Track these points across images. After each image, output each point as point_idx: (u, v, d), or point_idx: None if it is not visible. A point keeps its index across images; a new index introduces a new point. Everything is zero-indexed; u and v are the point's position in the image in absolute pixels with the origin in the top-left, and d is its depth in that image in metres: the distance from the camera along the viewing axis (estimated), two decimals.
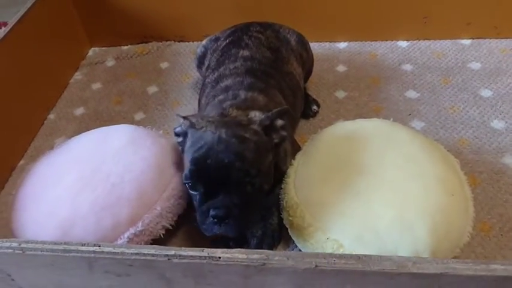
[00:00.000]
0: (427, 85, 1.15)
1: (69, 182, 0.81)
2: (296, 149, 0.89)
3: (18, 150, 1.11)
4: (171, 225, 0.83)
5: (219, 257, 0.56)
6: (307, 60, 1.09)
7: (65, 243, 0.60)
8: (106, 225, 0.77)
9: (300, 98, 1.01)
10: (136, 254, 0.57)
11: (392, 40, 1.31)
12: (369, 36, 1.32)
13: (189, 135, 0.76)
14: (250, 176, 0.70)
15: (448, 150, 0.86)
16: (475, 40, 1.27)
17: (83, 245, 0.59)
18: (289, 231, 0.79)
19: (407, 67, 1.22)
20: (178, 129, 0.80)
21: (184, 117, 0.79)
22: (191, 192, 0.74)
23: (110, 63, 1.38)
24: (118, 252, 0.58)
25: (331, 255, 0.55)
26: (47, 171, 0.87)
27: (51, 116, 1.21)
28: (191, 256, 0.57)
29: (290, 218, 0.77)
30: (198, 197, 0.73)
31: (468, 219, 0.76)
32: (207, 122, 0.75)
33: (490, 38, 1.26)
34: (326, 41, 1.33)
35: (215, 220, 0.70)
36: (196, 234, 0.87)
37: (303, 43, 1.09)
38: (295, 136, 1.00)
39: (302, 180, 0.80)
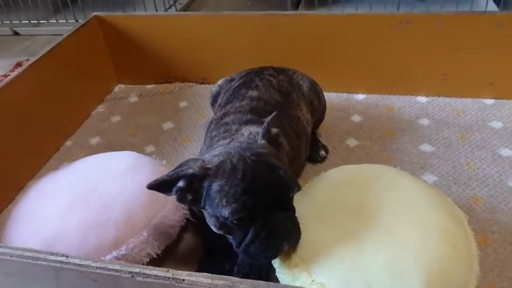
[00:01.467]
0: (443, 140, 1.11)
1: (62, 200, 0.82)
2: None
3: (30, 171, 1.14)
4: (157, 254, 0.80)
5: (183, 280, 0.53)
6: (318, 108, 1.09)
7: (35, 251, 0.58)
8: (90, 245, 0.76)
9: (305, 143, 0.99)
10: (101, 268, 0.55)
11: (411, 95, 1.29)
12: (387, 89, 1.31)
13: (211, 178, 0.67)
14: (296, 185, 0.69)
15: (459, 206, 0.81)
16: (498, 100, 1.23)
17: (52, 254, 0.58)
18: (276, 271, 0.74)
19: (425, 121, 1.18)
20: (181, 183, 0.68)
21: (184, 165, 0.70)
22: (237, 232, 0.67)
23: (133, 99, 1.43)
24: (83, 265, 0.56)
25: None
26: (44, 189, 0.88)
27: (68, 143, 1.25)
28: (155, 276, 0.54)
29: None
30: (253, 229, 0.66)
31: (471, 277, 0.69)
32: (217, 157, 0.69)
33: None
34: (344, 92, 1.33)
35: (282, 237, 0.67)
36: (183, 267, 0.84)
37: (316, 90, 1.08)
38: (300, 180, 0.97)
39: None
